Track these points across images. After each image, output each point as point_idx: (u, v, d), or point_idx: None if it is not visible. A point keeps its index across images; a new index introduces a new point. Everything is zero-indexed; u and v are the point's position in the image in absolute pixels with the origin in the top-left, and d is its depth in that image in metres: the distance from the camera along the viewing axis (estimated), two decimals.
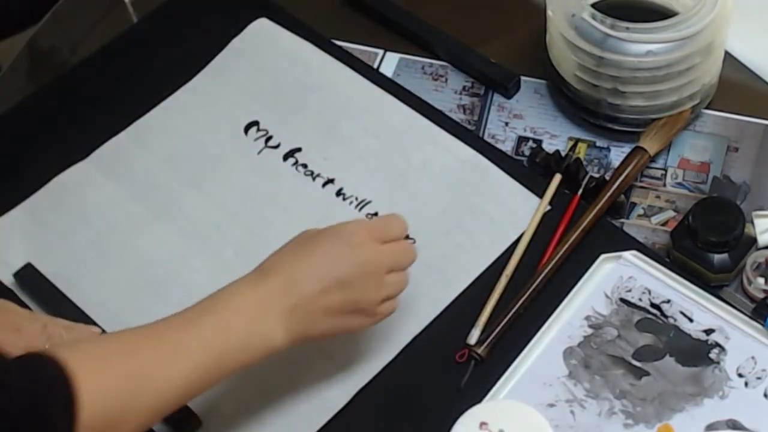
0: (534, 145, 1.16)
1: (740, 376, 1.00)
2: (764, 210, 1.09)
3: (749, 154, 1.14)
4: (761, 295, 1.04)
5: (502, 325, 1.03)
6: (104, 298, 1.09)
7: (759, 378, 0.99)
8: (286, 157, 1.17)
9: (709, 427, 0.98)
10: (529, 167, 1.15)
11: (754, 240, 1.06)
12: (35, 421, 0.78)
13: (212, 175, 1.17)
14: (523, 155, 1.16)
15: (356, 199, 1.13)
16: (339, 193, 1.14)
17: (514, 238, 1.09)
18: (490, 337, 1.02)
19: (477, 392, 1.00)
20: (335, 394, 1.02)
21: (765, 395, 0.99)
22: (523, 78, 1.21)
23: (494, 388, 1.00)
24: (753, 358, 1.00)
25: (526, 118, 1.19)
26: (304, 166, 1.16)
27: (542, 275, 1.05)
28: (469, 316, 1.05)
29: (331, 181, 1.15)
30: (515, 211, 1.11)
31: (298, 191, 1.15)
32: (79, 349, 0.86)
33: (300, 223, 1.12)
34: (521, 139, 1.18)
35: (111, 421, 0.83)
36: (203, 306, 0.92)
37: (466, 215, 1.11)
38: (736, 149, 1.14)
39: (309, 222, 1.12)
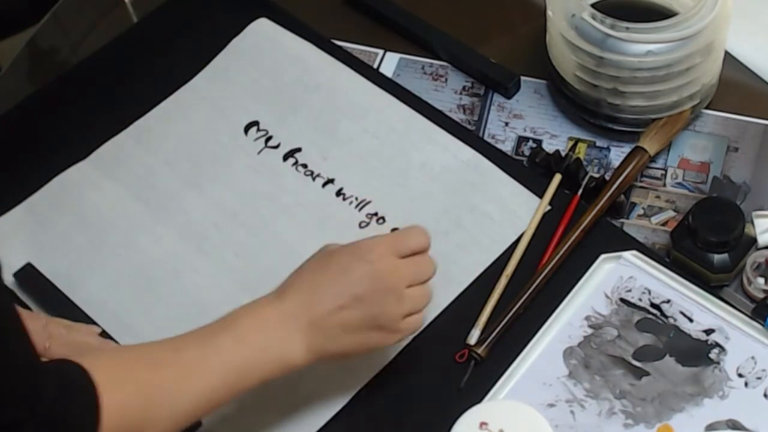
0: (534, 145, 1.16)
1: (740, 376, 1.00)
2: (764, 210, 1.09)
3: (749, 154, 1.14)
4: (761, 295, 1.04)
5: (502, 325, 1.03)
6: (104, 297, 1.09)
7: (759, 378, 0.99)
8: (286, 157, 1.17)
9: (709, 427, 0.98)
10: (529, 167, 1.15)
11: (754, 240, 1.06)
12: (61, 426, 0.79)
13: (212, 175, 1.17)
14: (523, 155, 1.16)
15: (356, 199, 1.13)
16: (339, 193, 1.14)
17: (514, 238, 1.09)
18: (490, 337, 1.02)
19: (477, 392, 1.00)
20: (335, 394, 1.02)
21: (765, 395, 0.99)
22: (523, 78, 1.21)
23: (494, 388, 1.00)
24: (753, 358, 1.00)
25: (526, 118, 1.19)
26: (304, 166, 1.16)
27: (542, 275, 1.05)
28: (469, 316, 1.05)
29: (331, 181, 1.15)
30: (515, 210, 1.11)
31: (297, 191, 1.15)
32: (103, 358, 0.87)
33: (300, 223, 1.12)
34: (521, 139, 1.18)
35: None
36: (223, 323, 0.92)
37: (466, 215, 1.11)
38: (736, 149, 1.14)
39: (309, 221, 1.12)
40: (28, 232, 1.14)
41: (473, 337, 1.03)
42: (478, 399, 0.98)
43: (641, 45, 1.08)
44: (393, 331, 0.95)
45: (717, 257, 1.04)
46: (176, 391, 0.88)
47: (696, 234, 1.04)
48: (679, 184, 1.13)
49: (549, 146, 1.16)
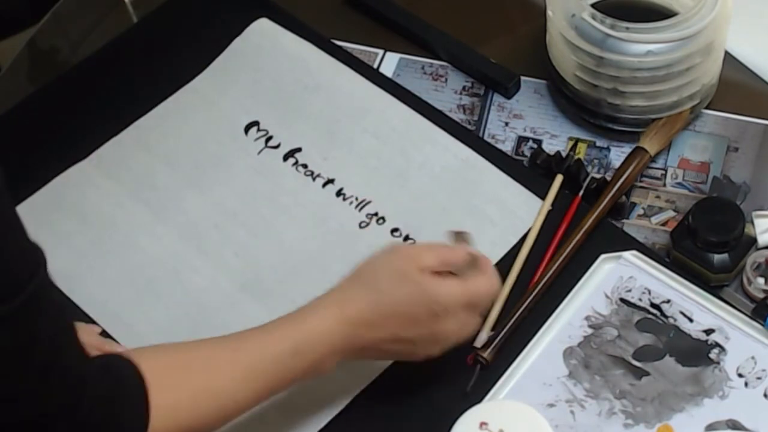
0: (534, 145, 1.16)
1: (740, 376, 1.00)
2: (764, 210, 1.09)
3: (749, 154, 1.14)
4: (761, 295, 1.04)
5: (507, 328, 1.03)
6: (104, 297, 1.09)
7: (759, 378, 0.99)
8: (286, 158, 1.17)
9: (709, 427, 0.98)
10: (529, 168, 1.15)
11: (754, 240, 1.06)
12: (112, 419, 0.80)
13: (212, 175, 1.17)
14: (523, 155, 1.16)
15: (356, 199, 1.13)
16: (339, 193, 1.14)
17: (514, 240, 1.09)
18: (496, 341, 1.02)
19: (478, 392, 1.00)
20: (337, 394, 1.02)
21: (765, 395, 0.99)
22: (523, 78, 1.21)
23: (494, 388, 1.00)
24: (753, 358, 1.00)
25: (526, 118, 1.19)
26: (305, 166, 1.16)
27: (547, 277, 1.05)
28: None
29: (331, 181, 1.15)
30: (515, 212, 1.11)
31: (298, 191, 1.15)
32: (155, 357, 0.87)
33: (300, 223, 1.12)
34: (521, 139, 1.17)
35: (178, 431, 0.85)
36: (286, 330, 0.92)
37: (466, 216, 1.11)
38: (736, 149, 1.14)
39: (309, 222, 1.12)
40: (29, 231, 1.13)
41: (480, 341, 1.03)
42: (479, 399, 0.98)
43: (641, 45, 1.08)
44: (436, 343, 0.96)
45: (717, 257, 1.04)
46: (232, 394, 0.89)
47: (696, 234, 1.04)
48: (679, 184, 1.13)
49: (549, 146, 1.16)
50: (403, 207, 1.12)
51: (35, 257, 0.77)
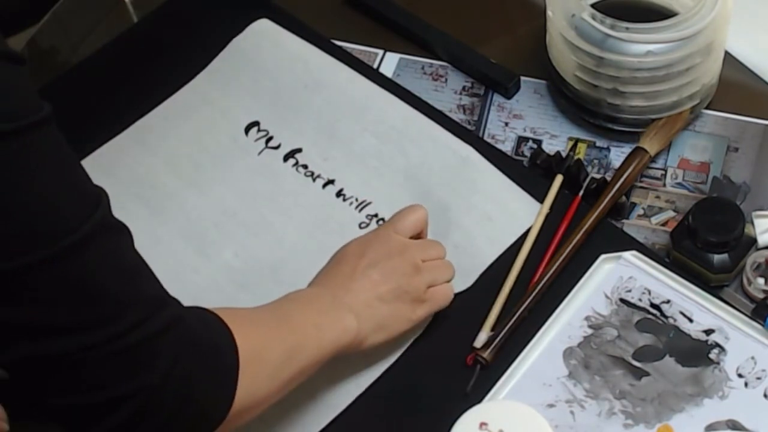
0: (534, 146, 1.16)
1: (740, 376, 1.00)
2: (764, 210, 1.09)
3: (749, 154, 1.14)
4: (761, 295, 1.04)
5: (507, 329, 1.03)
6: None
7: (759, 378, 0.99)
8: (286, 158, 1.17)
9: (709, 427, 0.98)
10: (529, 168, 1.15)
11: (754, 240, 1.06)
12: (210, 355, 0.84)
13: (212, 176, 1.17)
14: (523, 155, 1.16)
15: (356, 200, 1.13)
16: (339, 193, 1.14)
17: (512, 240, 1.09)
18: (495, 341, 1.02)
19: (478, 393, 1.00)
20: (337, 395, 1.02)
21: (765, 395, 0.99)
22: (523, 78, 1.21)
23: (494, 388, 1.00)
24: (753, 358, 1.00)
25: (526, 118, 1.19)
26: (305, 166, 1.16)
27: (547, 277, 1.05)
28: (472, 317, 1.04)
29: (331, 181, 1.15)
30: (514, 212, 1.11)
31: (298, 192, 1.15)
32: (238, 315, 0.92)
33: (300, 224, 1.12)
34: (521, 139, 1.18)
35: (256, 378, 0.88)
36: (300, 301, 0.98)
37: (465, 216, 1.11)
38: (736, 149, 1.14)
39: (309, 222, 1.12)
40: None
41: (480, 341, 1.03)
42: (479, 399, 0.98)
43: (641, 45, 1.08)
44: (421, 301, 1.01)
45: (717, 257, 1.04)
46: (309, 349, 0.94)
47: (696, 234, 1.04)
48: (679, 184, 1.13)
49: (549, 146, 1.16)
50: (402, 206, 1.12)
51: (95, 198, 0.79)
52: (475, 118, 1.19)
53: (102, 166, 1.18)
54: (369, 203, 1.13)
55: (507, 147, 1.17)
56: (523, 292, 1.05)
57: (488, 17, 1.28)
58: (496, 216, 1.10)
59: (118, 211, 1.13)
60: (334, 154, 1.17)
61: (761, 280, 1.04)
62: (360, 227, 1.12)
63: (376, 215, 1.12)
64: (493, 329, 1.03)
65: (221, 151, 1.18)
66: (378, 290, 0.99)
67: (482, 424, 0.89)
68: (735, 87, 1.18)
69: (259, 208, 1.14)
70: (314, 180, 1.15)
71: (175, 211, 1.15)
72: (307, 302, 0.97)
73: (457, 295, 1.05)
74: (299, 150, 1.17)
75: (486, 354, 1.02)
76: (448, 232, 1.10)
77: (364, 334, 0.98)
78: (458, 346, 1.03)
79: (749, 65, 1.20)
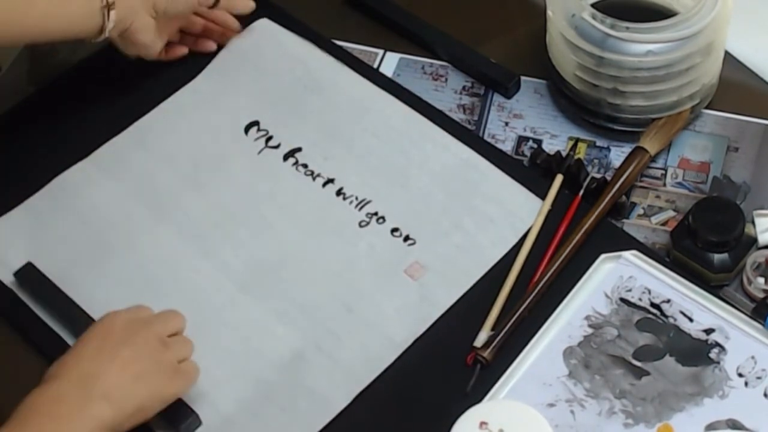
0: (534, 145, 1.16)
1: (740, 375, 1.00)
2: (764, 210, 1.09)
3: (749, 154, 1.14)
4: (761, 295, 1.04)
5: (507, 328, 1.03)
6: (105, 297, 1.09)
7: (759, 378, 0.99)
8: (286, 157, 1.17)
9: (709, 426, 0.98)
10: (529, 168, 1.15)
11: (754, 240, 1.06)
12: None
13: (212, 175, 1.17)
14: (523, 155, 1.16)
15: (356, 198, 1.13)
16: (339, 192, 1.14)
17: (514, 240, 1.09)
18: (495, 341, 1.02)
19: (478, 393, 1.00)
20: (335, 395, 1.02)
21: (765, 395, 0.99)
22: (523, 78, 1.21)
23: (494, 388, 1.00)
24: (753, 357, 1.00)
25: (526, 118, 1.19)
26: (305, 166, 1.16)
27: (547, 277, 1.05)
28: (472, 317, 1.04)
29: (331, 180, 1.15)
30: (515, 212, 1.11)
31: (298, 191, 1.15)
32: None
33: (300, 223, 1.12)
34: (521, 139, 1.18)
35: None
36: (59, 407, 0.92)
37: (466, 216, 1.11)
38: (736, 149, 1.14)
39: (309, 221, 1.12)
40: (29, 231, 1.14)
41: (480, 340, 1.03)
42: (479, 399, 0.98)
43: (641, 45, 1.08)
44: (176, 375, 0.97)
45: (717, 257, 1.04)
46: None
47: (696, 234, 1.04)
48: (679, 183, 1.13)
49: (549, 146, 1.16)
50: (403, 206, 1.12)
51: None
52: (476, 117, 1.19)
53: (102, 166, 1.18)
54: (369, 202, 1.13)
55: (507, 147, 1.17)
56: (523, 292, 1.05)
57: (488, 17, 1.28)
58: (497, 217, 1.10)
59: (118, 211, 1.15)
60: (334, 154, 1.17)
61: (761, 280, 1.04)
62: (360, 226, 1.12)
63: (375, 213, 1.12)
64: (493, 329, 1.03)
65: (221, 150, 1.18)
66: (131, 370, 0.94)
67: (482, 424, 0.89)
68: (735, 87, 1.18)
69: (259, 208, 1.14)
70: (314, 179, 1.15)
71: (175, 210, 1.15)
72: (50, 408, 0.91)
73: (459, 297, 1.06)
74: (299, 149, 1.17)
75: (486, 354, 1.02)
76: (449, 234, 1.10)
77: (120, 420, 0.93)
78: (458, 346, 1.03)
79: (749, 65, 1.20)
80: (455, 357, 1.03)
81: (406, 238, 1.10)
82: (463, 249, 1.09)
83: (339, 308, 1.07)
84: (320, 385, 1.02)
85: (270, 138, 1.19)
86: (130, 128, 1.20)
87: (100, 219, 1.15)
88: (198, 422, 1.01)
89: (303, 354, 1.04)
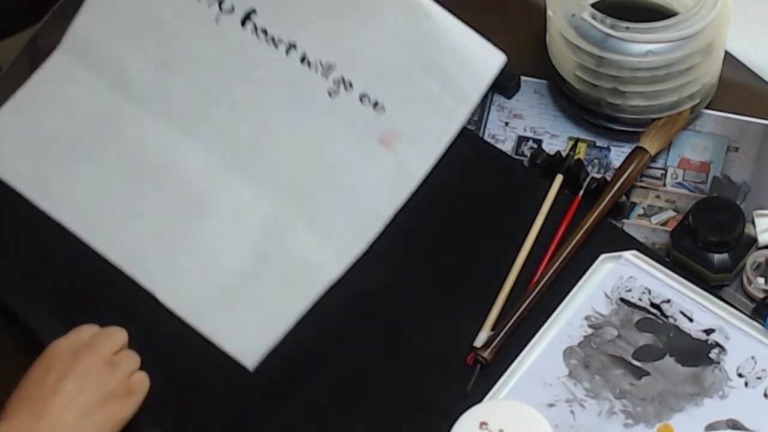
0: (534, 145, 1.16)
1: (740, 376, 1.00)
2: (764, 209, 1.09)
3: (749, 154, 1.14)
4: (761, 295, 1.04)
5: (507, 328, 1.03)
6: (93, 194, 1.10)
7: (759, 378, 1.00)
8: (244, 23, 1.16)
9: (709, 427, 0.98)
10: (529, 168, 1.15)
11: (754, 240, 1.06)
12: None
13: (177, 52, 1.16)
14: (524, 155, 1.16)
15: (321, 64, 1.13)
16: (303, 60, 1.14)
17: (477, 96, 1.11)
18: (495, 341, 1.02)
19: (478, 393, 1.00)
20: (330, 263, 1.05)
21: (765, 395, 0.99)
22: (523, 78, 1.21)
23: (494, 388, 1.00)
24: (753, 358, 1.01)
25: (526, 118, 1.19)
26: (264, 32, 1.15)
27: (547, 277, 1.05)
28: (472, 317, 1.04)
29: (293, 46, 1.14)
30: (474, 64, 1.12)
31: (263, 62, 1.14)
32: None
33: (273, 99, 1.13)
34: (521, 139, 1.18)
35: None
36: None
37: (429, 75, 1.12)
38: (736, 149, 1.14)
39: (281, 96, 1.13)
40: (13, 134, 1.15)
41: (480, 341, 1.03)
42: (479, 399, 0.98)
43: (641, 45, 1.08)
44: (128, 395, 0.96)
45: (717, 257, 1.04)
46: None
47: (696, 234, 1.04)
48: (679, 183, 1.13)
49: (549, 146, 1.16)
50: (366, 67, 1.12)
51: None
52: (475, 117, 1.19)
53: (75, 53, 1.17)
54: (333, 67, 1.13)
55: (507, 147, 1.17)
56: (523, 292, 1.05)
57: (488, 17, 1.27)
58: (458, 73, 1.11)
59: (100, 102, 1.14)
60: (288, 12, 1.15)
61: (761, 280, 1.04)
62: (330, 96, 1.12)
63: (342, 79, 1.12)
64: (493, 329, 1.03)
65: (179, 22, 1.17)
66: (78, 404, 0.92)
67: (482, 424, 0.90)
68: (735, 87, 1.18)
69: (230, 86, 1.14)
70: (276, 46, 1.14)
71: (152, 95, 1.15)
72: None
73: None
74: (253, 11, 1.16)
75: (486, 354, 1.02)
76: (414, 97, 1.11)
77: None
78: (458, 346, 1.03)
79: (749, 65, 1.20)
80: (455, 357, 1.03)
81: (375, 105, 1.11)
82: (430, 111, 1.11)
83: (321, 182, 1.09)
84: (313, 255, 1.05)
85: (222, 1, 1.17)
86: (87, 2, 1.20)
87: (83, 113, 1.15)
88: None
89: (295, 227, 1.06)
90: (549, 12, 1.13)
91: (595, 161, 1.15)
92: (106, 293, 1.09)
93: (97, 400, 0.93)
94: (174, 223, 1.09)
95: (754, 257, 1.05)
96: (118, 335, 0.99)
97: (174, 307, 1.06)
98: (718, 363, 1.00)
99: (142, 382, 0.98)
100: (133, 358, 0.99)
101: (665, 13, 1.15)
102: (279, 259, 1.07)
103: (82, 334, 0.98)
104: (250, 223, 1.08)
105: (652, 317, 1.03)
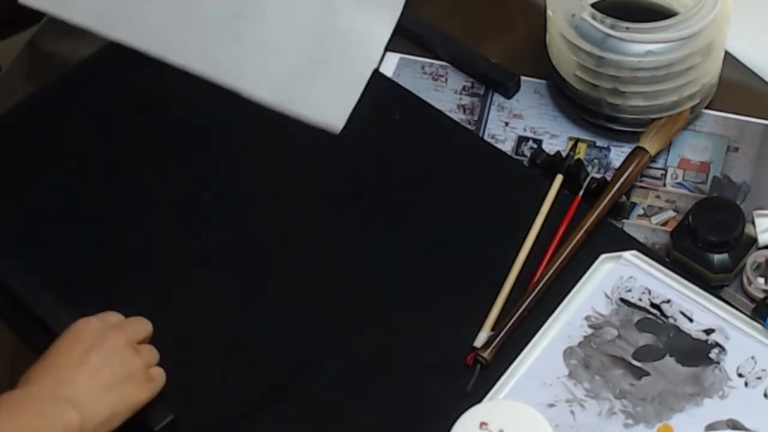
0: (534, 145, 1.16)
1: (740, 376, 1.00)
2: (764, 210, 1.09)
3: (749, 154, 1.14)
4: (761, 295, 1.04)
5: (507, 328, 1.03)
6: (156, 11, 1.19)
7: (759, 378, 1.00)
8: None
9: (709, 427, 0.98)
10: (529, 168, 1.15)
11: (754, 240, 1.06)
12: None
13: None
14: (523, 155, 1.16)
15: None
16: None
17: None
18: (495, 341, 1.02)
19: (478, 393, 1.00)
20: (376, 30, 1.18)
21: (765, 395, 0.99)
22: (523, 78, 1.21)
23: (494, 388, 1.00)
24: (753, 358, 1.01)
25: (526, 118, 1.19)
26: None
27: (547, 277, 1.05)
28: (471, 317, 1.05)
29: None
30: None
31: None
32: None
33: None
34: (521, 139, 1.18)
35: None
36: (28, 407, 0.92)
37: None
38: (736, 149, 1.14)
39: None
40: None
41: (480, 341, 1.03)
42: (479, 399, 0.98)
43: (641, 45, 1.08)
44: (146, 382, 0.98)
45: (717, 257, 1.04)
46: None
47: (696, 234, 1.04)
48: (679, 184, 1.13)
49: (549, 146, 1.16)
50: None
51: None
52: (475, 118, 1.19)
53: None
54: None
55: (507, 147, 1.17)
56: (523, 292, 1.05)
57: (488, 17, 1.28)
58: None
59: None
60: None
61: (761, 280, 1.04)
62: None
63: None
64: (493, 329, 1.03)
65: None
66: (101, 378, 0.95)
67: (482, 424, 0.89)
68: (735, 87, 1.18)
69: None
70: None
71: None
72: (17, 407, 0.91)
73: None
74: None
75: (486, 354, 1.02)
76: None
77: (89, 427, 0.93)
78: (458, 346, 1.03)
79: (749, 65, 1.20)
80: (455, 357, 1.03)
81: None
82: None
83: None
84: (363, 23, 1.18)
85: None
86: None
87: None
88: (174, 422, 1.00)
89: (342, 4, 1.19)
90: (549, 12, 1.13)
91: (595, 161, 1.15)
92: (115, 287, 1.10)
93: (118, 378, 0.95)
94: (233, 21, 1.18)
95: (754, 257, 1.05)
96: (145, 325, 1.01)
97: (259, 95, 1.15)
98: (718, 363, 1.00)
99: (159, 375, 1.00)
100: (154, 353, 1.01)
101: (665, 13, 1.15)
102: (336, 31, 1.17)
103: (111, 317, 1.00)
104: (305, 7, 1.19)
105: (652, 317, 1.03)
